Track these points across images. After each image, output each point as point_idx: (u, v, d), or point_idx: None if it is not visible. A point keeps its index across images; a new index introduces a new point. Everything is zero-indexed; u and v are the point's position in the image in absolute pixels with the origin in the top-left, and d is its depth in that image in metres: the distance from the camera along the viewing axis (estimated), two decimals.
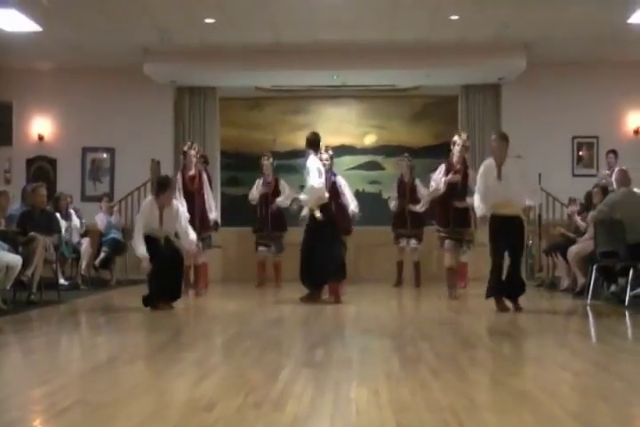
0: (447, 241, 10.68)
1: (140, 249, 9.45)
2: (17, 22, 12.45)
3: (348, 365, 5.55)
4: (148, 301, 9.52)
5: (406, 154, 13.31)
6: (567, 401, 4.43)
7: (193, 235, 9.89)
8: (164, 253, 9.60)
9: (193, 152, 11.23)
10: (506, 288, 9.10)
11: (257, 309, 10.14)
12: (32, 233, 9.81)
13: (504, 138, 9.36)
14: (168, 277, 9.63)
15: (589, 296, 9.77)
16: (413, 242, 12.68)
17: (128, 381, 5.04)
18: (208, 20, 12.80)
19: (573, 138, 15.69)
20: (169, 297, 9.70)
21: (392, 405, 4.23)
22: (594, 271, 9.81)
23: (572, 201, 12.59)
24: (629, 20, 12.47)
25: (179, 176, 11.20)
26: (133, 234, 9.81)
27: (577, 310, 9.69)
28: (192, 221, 10.33)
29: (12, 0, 11.37)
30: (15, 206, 11.13)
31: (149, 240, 9.59)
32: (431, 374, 5.09)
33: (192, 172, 11.18)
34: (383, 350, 6.28)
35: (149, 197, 9.98)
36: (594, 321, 8.83)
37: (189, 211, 10.39)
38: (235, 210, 14.03)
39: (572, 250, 10.80)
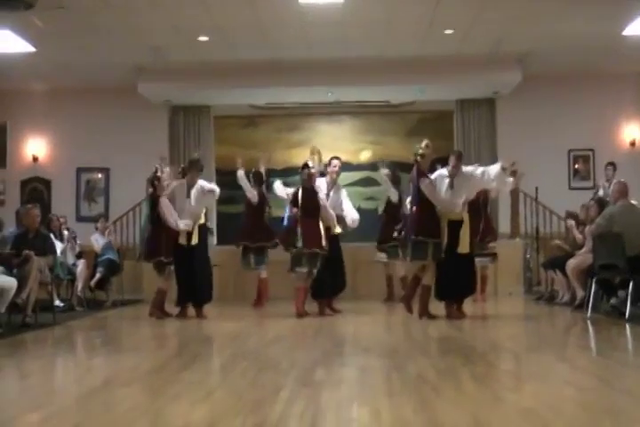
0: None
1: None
2: (11, 43, 12.46)
3: (348, 384, 5.47)
4: (179, 301, 10.58)
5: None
6: (573, 418, 4.34)
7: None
8: (192, 255, 10.42)
9: (164, 175, 10.93)
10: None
11: (254, 327, 10.06)
12: (26, 251, 9.68)
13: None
14: (195, 279, 10.38)
15: (589, 309, 9.70)
16: (382, 256, 12.60)
17: (124, 404, 4.95)
18: (202, 39, 12.80)
19: (569, 151, 15.68)
20: (198, 301, 10.52)
21: (394, 424, 4.15)
22: (593, 284, 9.75)
23: (569, 215, 12.52)
24: (624, 32, 12.49)
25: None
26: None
27: (577, 324, 9.63)
28: (171, 242, 10.67)
29: (6, 21, 11.35)
30: (11, 229, 11.06)
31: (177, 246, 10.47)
32: (432, 391, 5.01)
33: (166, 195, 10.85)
34: (383, 368, 6.19)
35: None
36: (594, 335, 8.76)
37: (168, 232, 10.66)
38: (230, 228, 13.94)
39: (571, 263, 10.75)
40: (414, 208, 9.97)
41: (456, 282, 9.93)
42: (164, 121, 16.11)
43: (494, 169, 9.73)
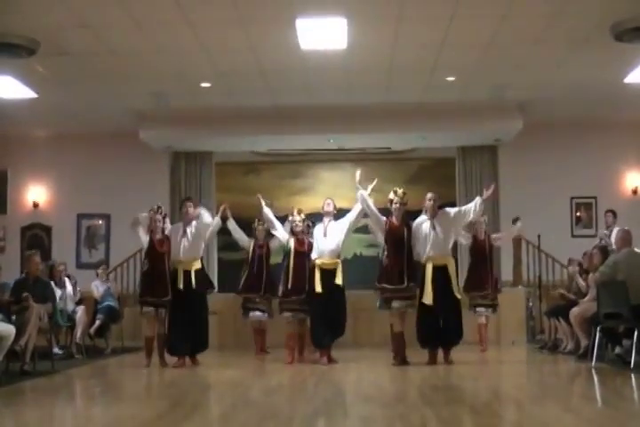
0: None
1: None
2: (12, 89, 12.48)
3: None
4: (172, 350, 10.41)
5: None
6: None
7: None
8: (191, 301, 10.40)
9: (159, 217, 10.94)
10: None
11: (255, 376, 9.94)
12: (25, 294, 9.60)
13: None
14: (190, 326, 10.33)
15: (594, 359, 9.57)
16: None
17: None
18: (204, 85, 12.83)
19: (572, 198, 15.67)
20: (192, 349, 10.43)
21: None
22: (597, 333, 9.64)
23: (571, 261, 12.47)
24: (625, 80, 12.52)
25: (147, 238, 10.91)
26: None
27: (581, 373, 9.50)
28: (162, 284, 10.52)
29: (7, 67, 11.39)
30: (17, 275, 11.00)
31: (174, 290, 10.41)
32: None
33: (159, 235, 10.87)
34: (386, 418, 6.08)
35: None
36: (599, 385, 8.63)
37: (159, 273, 10.56)
38: (231, 275, 13.85)
39: (574, 312, 10.65)
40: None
41: (441, 329, 9.95)
42: (166, 167, 16.11)
43: (474, 202, 10.14)
